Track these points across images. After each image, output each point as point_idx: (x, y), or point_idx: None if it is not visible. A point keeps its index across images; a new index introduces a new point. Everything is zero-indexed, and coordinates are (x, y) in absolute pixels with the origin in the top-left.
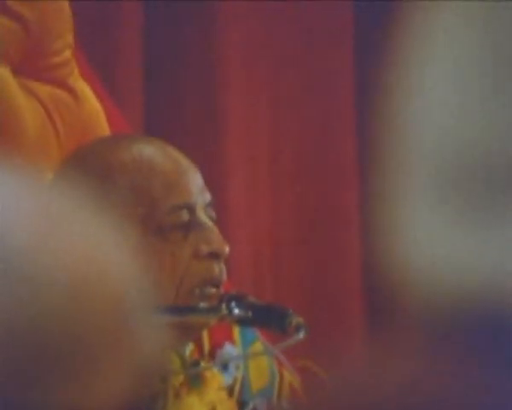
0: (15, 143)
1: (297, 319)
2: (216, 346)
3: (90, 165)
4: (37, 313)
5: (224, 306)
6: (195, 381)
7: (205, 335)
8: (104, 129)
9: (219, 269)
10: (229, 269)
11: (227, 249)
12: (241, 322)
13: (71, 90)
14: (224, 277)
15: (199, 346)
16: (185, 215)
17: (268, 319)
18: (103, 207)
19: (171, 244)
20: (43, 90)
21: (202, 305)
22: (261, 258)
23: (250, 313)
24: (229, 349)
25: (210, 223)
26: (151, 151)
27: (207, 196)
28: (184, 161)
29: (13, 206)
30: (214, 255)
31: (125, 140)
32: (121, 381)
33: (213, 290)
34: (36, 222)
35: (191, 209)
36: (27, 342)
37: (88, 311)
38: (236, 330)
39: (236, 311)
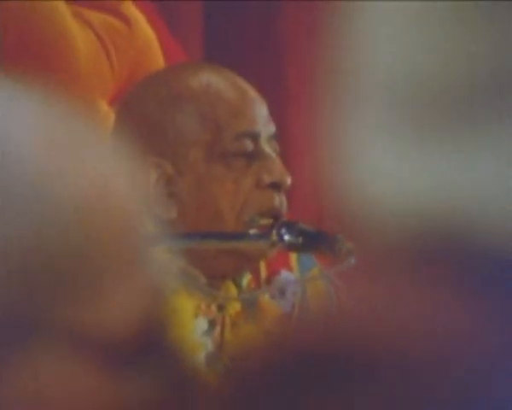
0: (69, 71)
1: (347, 245)
2: (273, 274)
3: (157, 92)
4: (48, 233)
5: (274, 232)
6: (251, 309)
7: (262, 264)
8: (158, 57)
9: (280, 200)
10: (292, 201)
11: (289, 180)
12: (292, 248)
13: (124, 18)
14: (284, 208)
15: (257, 276)
16: (249, 144)
17: (318, 244)
18: (167, 134)
19: (234, 172)
20: (96, 17)
21: (252, 232)
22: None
23: (301, 239)
24: (286, 276)
25: (273, 154)
26: (218, 79)
27: (272, 128)
28: (251, 91)
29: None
30: (275, 186)
31: (192, 68)
32: (131, 306)
33: (272, 221)
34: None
35: (255, 138)
36: (35, 263)
37: (97, 234)
38: (294, 258)
39: (287, 237)
